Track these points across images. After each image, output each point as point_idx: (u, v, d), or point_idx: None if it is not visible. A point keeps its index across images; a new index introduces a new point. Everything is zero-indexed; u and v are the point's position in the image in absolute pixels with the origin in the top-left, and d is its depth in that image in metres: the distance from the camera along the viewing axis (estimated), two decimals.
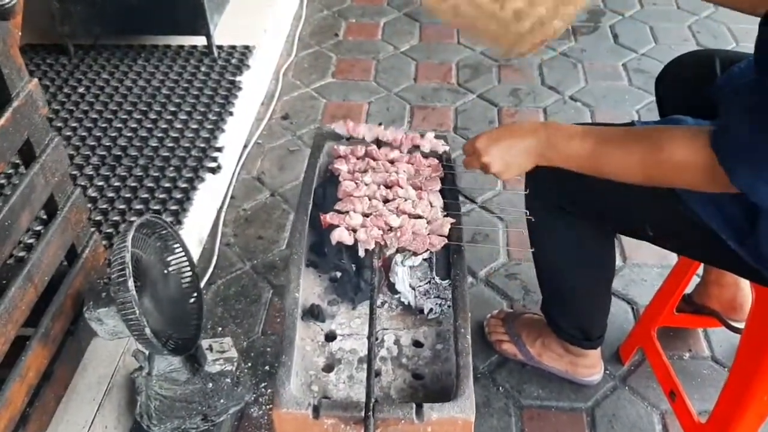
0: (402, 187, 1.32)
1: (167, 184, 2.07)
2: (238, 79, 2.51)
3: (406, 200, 1.29)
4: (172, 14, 2.51)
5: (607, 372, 1.80)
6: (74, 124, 2.31)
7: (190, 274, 1.60)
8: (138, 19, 2.55)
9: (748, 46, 1.04)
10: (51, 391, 1.43)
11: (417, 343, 1.19)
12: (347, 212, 1.27)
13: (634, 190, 1.19)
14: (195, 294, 1.60)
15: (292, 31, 3.15)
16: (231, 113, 2.35)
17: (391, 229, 1.24)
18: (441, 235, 1.24)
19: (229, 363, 1.66)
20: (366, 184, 1.32)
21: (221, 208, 2.23)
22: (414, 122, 2.68)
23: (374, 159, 1.39)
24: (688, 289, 1.74)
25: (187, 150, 2.20)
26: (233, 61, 2.60)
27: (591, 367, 1.76)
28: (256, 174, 2.40)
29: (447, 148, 1.41)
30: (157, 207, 2.00)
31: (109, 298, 1.39)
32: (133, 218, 1.97)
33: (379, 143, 1.42)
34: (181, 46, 2.69)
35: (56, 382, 1.45)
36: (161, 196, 2.03)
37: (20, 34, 1.28)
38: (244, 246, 2.14)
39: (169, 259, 1.56)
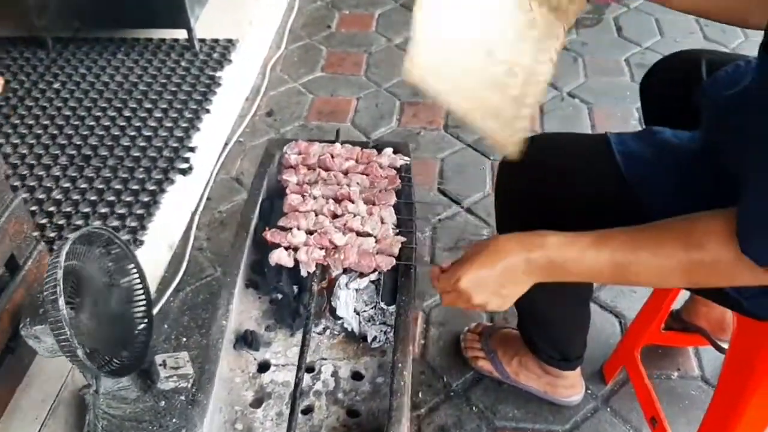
0: (353, 202, 1.22)
1: (135, 186, 1.99)
2: (218, 74, 2.42)
3: (355, 216, 1.19)
4: (151, 6, 2.42)
5: (589, 392, 1.69)
6: (46, 122, 2.23)
7: (140, 288, 1.51)
8: (117, 12, 2.47)
9: (757, 41, 0.91)
10: None
11: (357, 375, 1.10)
12: (290, 229, 1.17)
13: (602, 206, 1.08)
14: (144, 310, 1.51)
15: (283, 23, 3.05)
16: (208, 111, 2.26)
17: (336, 248, 1.14)
18: (390, 255, 1.14)
19: (184, 380, 1.56)
20: (314, 198, 1.22)
21: (195, 210, 2.15)
22: (403, 119, 2.57)
23: (326, 169, 1.28)
24: (677, 305, 1.62)
25: (158, 150, 2.11)
26: (215, 55, 2.51)
27: (571, 387, 1.65)
28: (235, 174, 2.31)
29: (407, 161, 1.31)
30: (122, 211, 1.92)
31: (45, 315, 1.31)
32: (96, 222, 1.89)
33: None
34: (163, 40, 2.61)
35: None
36: (128, 199, 1.95)
37: None
38: (217, 251, 2.05)
39: (117, 273, 1.48)
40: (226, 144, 2.42)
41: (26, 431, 1.48)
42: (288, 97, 2.67)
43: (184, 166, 2.06)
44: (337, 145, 1.31)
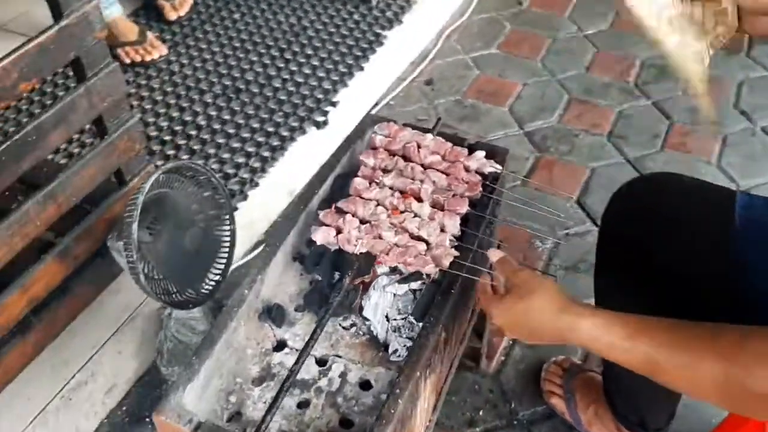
0: (420, 201, 1.13)
1: (270, 128, 2.03)
2: (384, 33, 2.37)
3: (414, 216, 1.10)
4: None
5: None
6: (215, 48, 2.34)
7: (227, 231, 1.54)
8: None
9: None
10: (63, 306, 1.46)
11: (365, 384, 1.03)
12: (346, 213, 1.11)
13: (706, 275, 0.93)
14: (226, 254, 1.54)
15: None
16: (362, 68, 2.24)
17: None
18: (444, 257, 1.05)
19: None
20: (382, 186, 1.15)
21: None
22: (566, 116, 2.37)
23: (408, 159, 1.20)
24: None
25: (303, 98, 2.13)
26: (388, 13, 2.46)
27: None
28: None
29: (498, 169, 1.18)
30: (251, 149, 1.97)
31: (120, 234, 1.38)
32: (225, 155, 1.96)
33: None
34: None
35: (73, 299, 1.49)
36: (259, 139, 2.00)
37: None
38: None
39: (209, 212, 1.52)
40: (376, 105, 2.39)
41: (103, 331, 1.59)
42: (453, 69, 2.56)
43: (321, 119, 2.06)
44: (429, 135, 1.21)
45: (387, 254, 1.05)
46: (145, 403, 1.61)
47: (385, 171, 1.18)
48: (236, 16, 2.50)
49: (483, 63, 2.59)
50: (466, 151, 1.20)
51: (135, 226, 1.30)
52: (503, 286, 0.98)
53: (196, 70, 2.25)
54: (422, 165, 1.19)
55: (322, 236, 1.08)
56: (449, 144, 1.20)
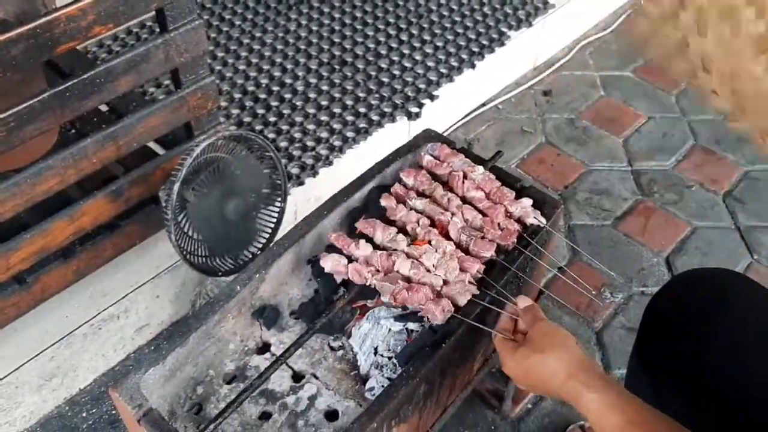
0: (447, 237, 1.05)
1: (361, 109, 1.98)
2: (509, 33, 2.24)
3: (436, 251, 1.03)
4: None
5: None
6: (337, 15, 2.30)
7: (277, 208, 1.53)
8: None
9: None
10: (110, 242, 1.51)
11: (331, 414, 0.98)
12: (361, 238, 1.05)
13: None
14: (270, 231, 1.53)
15: (625, 5, 2.70)
16: (473, 66, 2.12)
17: (392, 273, 1.00)
18: (448, 307, 0.97)
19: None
20: (411, 210, 1.08)
21: None
22: (683, 163, 2.16)
23: (449, 187, 1.12)
24: None
25: (405, 84, 2.06)
26: (520, 12, 2.32)
27: None
28: (470, 138, 2.18)
29: (541, 223, 1.07)
30: (336, 126, 1.93)
31: (163, 189, 1.39)
32: (310, 127, 1.94)
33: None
34: None
35: (121, 236, 1.53)
36: (348, 117, 1.96)
37: None
38: None
39: (264, 186, 1.51)
40: (483, 104, 2.28)
41: (145, 273, 1.63)
42: (577, 84, 2.40)
43: (414, 110, 1.98)
44: (480, 168, 1.12)
45: (395, 297, 0.98)
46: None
47: (421, 194, 1.11)
48: None
49: (611, 84, 2.40)
50: (513, 194, 1.10)
51: (177, 185, 1.31)
52: (521, 334, 0.93)
53: (311, 33, 2.23)
54: (462, 197, 1.10)
55: (331, 264, 1.03)
56: (497, 183, 1.11)
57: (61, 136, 1.61)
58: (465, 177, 1.11)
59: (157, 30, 1.43)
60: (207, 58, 1.45)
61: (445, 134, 2.15)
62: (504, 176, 1.15)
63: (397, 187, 1.11)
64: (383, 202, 1.07)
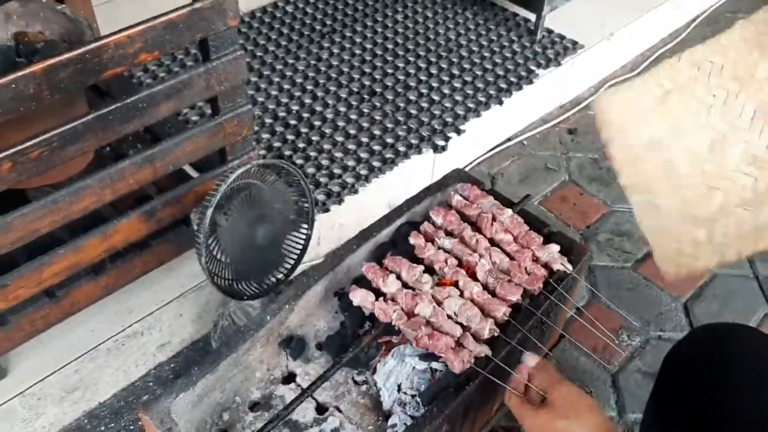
0: (473, 279, 1.07)
1: (389, 139, 2.01)
2: (538, 71, 2.27)
3: (461, 295, 1.05)
4: None
5: None
6: (368, 45, 2.35)
7: (304, 235, 1.55)
8: None
9: None
10: (139, 260, 1.54)
11: None
12: (390, 273, 1.07)
13: None
14: (296, 256, 1.55)
15: (649, 50, 2.72)
16: (500, 102, 2.15)
17: (415, 317, 1.02)
18: (469, 358, 0.99)
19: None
20: (438, 249, 1.10)
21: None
22: None
23: (477, 229, 1.14)
24: None
25: (432, 116, 2.09)
26: (549, 51, 2.35)
27: None
28: (492, 172, 2.20)
29: (567, 269, 1.09)
30: (363, 155, 1.97)
31: (196, 212, 1.43)
32: (338, 154, 1.97)
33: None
34: (515, 14, 2.52)
35: (151, 255, 1.56)
36: (375, 147, 1.99)
37: None
38: None
39: (291, 212, 1.53)
40: (508, 139, 2.31)
41: (170, 291, 1.66)
42: None
43: (441, 143, 2.01)
44: (509, 211, 1.14)
45: (418, 341, 0.99)
46: (191, 366, 1.67)
47: (449, 234, 1.13)
48: (399, 17, 2.50)
49: None
50: (540, 239, 1.12)
51: (210, 211, 1.34)
52: (537, 394, 0.93)
53: (342, 62, 2.28)
54: (490, 239, 1.12)
55: (359, 298, 1.06)
56: (526, 227, 1.13)
57: (96, 154, 1.66)
58: (494, 219, 1.14)
59: (198, 55, 1.48)
60: (245, 87, 1.49)
61: (469, 167, 2.19)
62: (532, 220, 1.17)
63: (426, 226, 1.13)
64: (412, 240, 1.09)
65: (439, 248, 1.10)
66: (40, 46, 1.49)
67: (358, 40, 2.38)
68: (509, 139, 2.31)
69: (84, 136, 1.26)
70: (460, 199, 1.17)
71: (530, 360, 0.95)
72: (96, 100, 1.69)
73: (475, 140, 2.15)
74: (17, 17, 1.52)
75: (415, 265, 1.06)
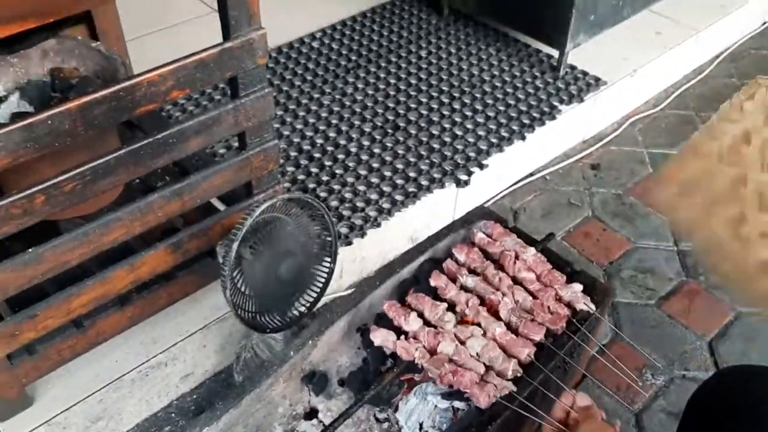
0: (496, 318, 1.07)
1: (411, 173, 2.03)
2: (561, 107, 2.29)
3: (484, 335, 1.05)
4: (540, 17, 2.37)
5: None
6: (392, 80, 2.38)
7: (326, 269, 1.57)
8: (510, 10, 2.47)
9: None
10: (165, 291, 1.57)
11: None
12: (412, 311, 1.08)
13: None
14: (318, 290, 1.57)
15: (676, 84, 2.73)
16: (523, 138, 2.17)
17: (437, 354, 1.03)
18: (489, 393, 0.99)
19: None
20: (461, 288, 1.11)
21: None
22: None
23: (500, 267, 1.14)
24: None
25: (455, 151, 2.11)
26: (572, 87, 2.37)
27: None
28: (515, 207, 2.21)
29: (590, 309, 1.09)
30: (386, 188, 1.98)
31: (221, 246, 1.45)
32: (361, 188, 1.99)
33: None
34: (538, 50, 2.55)
35: (176, 286, 1.59)
36: (398, 181, 2.01)
37: None
38: None
39: (314, 245, 1.55)
40: (531, 174, 2.32)
41: (194, 322, 1.68)
42: (625, 160, 2.42)
43: (464, 178, 2.02)
44: (532, 250, 1.15)
45: (442, 379, 1.00)
46: (213, 398, 1.68)
47: (472, 271, 1.14)
48: (422, 52, 2.53)
49: (659, 162, 2.42)
50: (564, 278, 1.12)
51: (236, 244, 1.36)
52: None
53: (366, 96, 2.31)
54: (513, 278, 1.13)
55: (380, 339, 1.07)
56: (549, 266, 1.13)
57: (125, 186, 1.69)
58: (517, 257, 1.14)
59: (226, 89, 1.51)
60: (272, 123, 1.52)
61: (491, 202, 2.19)
62: (555, 258, 1.17)
63: (449, 263, 1.14)
64: (434, 282, 1.10)
65: (461, 288, 1.10)
66: (75, 81, 1.54)
67: (382, 74, 2.41)
68: (532, 174, 2.32)
69: (116, 170, 1.29)
70: (483, 236, 1.17)
71: (581, 399, 0.96)
72: (127, 133, 1.73)
73: (498, 175, 2.16)
74: (54, 54, 1.57)
75: (438, 303, 1.07)
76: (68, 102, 1.17)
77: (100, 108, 1.21)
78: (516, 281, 1.12)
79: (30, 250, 1.26)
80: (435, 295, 1.10)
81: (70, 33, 1.58)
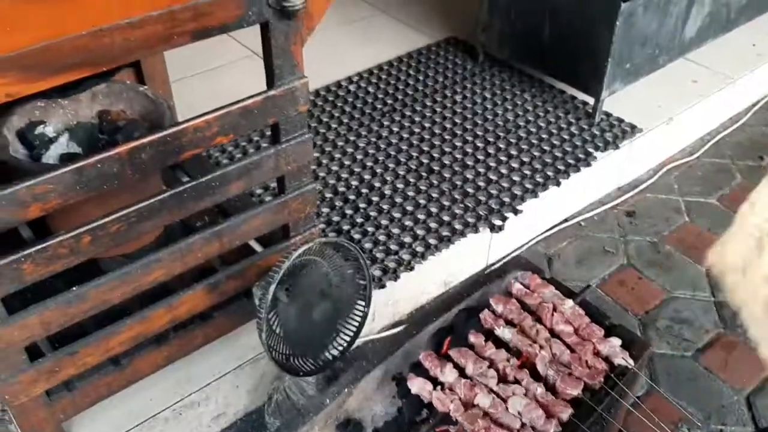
0: (533, 372, 1.07)
1: (446, 217, 2.04)
2: (596, 154, 2.29)
3: (525, 394, 1.04)
4: (575, 64, 2.39)
5: None
6: (427, 124, 2.41)
7: (361, 312, 1.57)
8: (544, 56, 2.50)
9: None
10: (201, 331, 1.58)
11: None
12: (448, 363, 1.08)
13: None
14: (353, 333, 1.57)
15: (712, 132, 2.72)
16: (558, 184, 2.17)
17: (473, 407, 1.02)
18: None
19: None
20: (499, 339, 1.10)
21: (485, 268, 2.11)
22: None
23: (538, 319, 1.14)
24: None
25: (489, 195, 2.12)
26: (607, 134, 2.37)
27: None
28: (549, 253, 2.20)
29: (628, 365, 1.08)
30: (420, 232, 1.99)
31: (257, 287, 1.47)
32: (395, 230, 2.01)
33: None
34: (573, 97, 2.56)
35: (212, 326, 1.60)
36: (432, 224, 2.02)
37: (309, 34, 1.37)
38: None
39: (348, 288, 1.56)
40: (565, 220, 2.31)
41: (228, 362, 1.69)
42: (661, 208, 2.40)
43: (498, 223, 2.03)
44: (570, 302, 1.14)
45: None
46: None
47: (509, 322, 1.14)
48: (457, 97, 2.56)
49: (695, 211, 2.40)
50: (602, 332, 1.12)
51: (273, 287, 1.38)
52: None
53: (401, 140, 2.34)
54: (550, 330, 1.12)
55: (417, 387, 1.07)
56: (587, 319, 1.13)
57: (165, 226, 1.73)
58: (554, 309, 1.14)
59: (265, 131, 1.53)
60: (311, 167, 1.55)
61: (525, 247, 2.19)
62: (593, 311, 1.16)
63: (486, 314, 1.14)
64: (472, 339, 1.10)
65: (498, 345, 1.10)
66: (122, 124, 1.59)
67: (417, 118, 2.45)
68: (566, 220, 2.31)
69: (160, 212, 1.32)
70: (520, 287, 1.18)
71: None
72: (168, 173, 1.77)
73: (533, 220, 2.16)
74: (102, 96, 1.63)
75: (481, 359, 1.06)
76: (117, 146, 1.21)
77: (147, 152, 1.25)
78: (553, 334, 1.12)
79: (74, 288, 1.29)
80: (472, 349, 1.10)
81: (119, 77, 1.64)
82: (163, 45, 1.16)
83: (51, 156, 1.52)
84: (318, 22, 1.38)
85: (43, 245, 1.20)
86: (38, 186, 1.14)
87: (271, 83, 1.36)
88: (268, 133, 2.09)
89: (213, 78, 2.59)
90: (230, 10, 1.19)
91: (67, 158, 1.52)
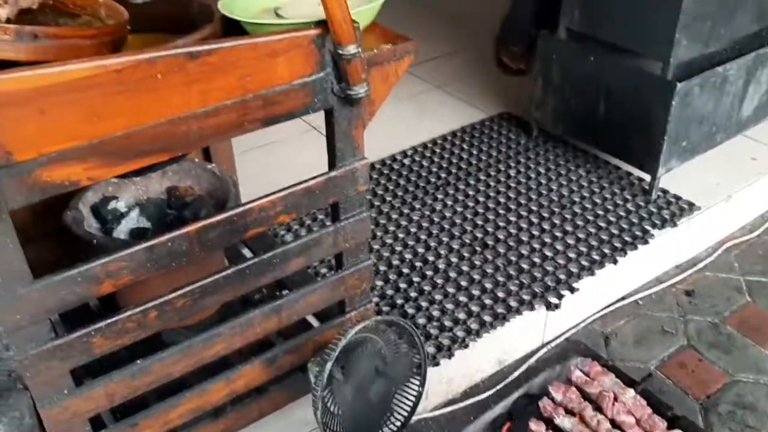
0: None
1: (500, 294, 2.03)
2: (653, 231, 2.26)
3: None
4: (631, 142, 2.39)
5: None
6: (481, 198, 2.43)
7: (416, 391, 1.57)
8: (599, 133, 2.51)
9: None
10: (256, 404, 1.60)
11: None
12: None
13: None
14: (406, 414, 1.57)
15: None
16: (615, 262, 2.15)
17: None
18: None
19: None
20: (560, 428, 1.09)
21: (540, 348, 2.08)
22: None
23: (598, 408, 1.12)
24: None
25: (545, 272, 2.11)
26: (664, 212, 2.35)
27: None
28: (607, 332, 2.16)
29: None
30: (475, 308, 1.99)
31: (313, 364, 1.48)
32: (449, 306, 2.01)
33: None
34: (629, 173, 2.55)
35: (267, 400, 1.62)
36: (486, 301, 2.01)
37: (371, 118, 1.42)
38: None
39: (403, 364, 1.57)
40: (622, 298, 2.28)
41: None
42: (721, 287, 2.34)
43: (554, 301, 2.01)
44: (631, 391, 1.12)
45: None
46: None
47: (569, 411, 1.12)
48: (512, 171, 2.58)
49: (757, 291, 2.33)
50: (665, 424, 1.09)
51: (330, 365, 1.40)
52: None
53: (455, 213, 2.36)
54: (611, 420, 1.10)
55: None
56: (649, 410, 1.10)
57: None
58: (615, 399, 1.12)
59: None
60: (368, 244, 1.58)
61: (581, 326, 2.15)
62: (654, 401, 1.14)
63: (545, 402, 1.13)
64: (533, 427, 1.09)
65: (556, 429, 1.08)
66: (189, 200, 1.66)
67: (471, 192, 2.47)
68: (623, 298, 2.27)
69: (223, 288, 1.37)
70: (580, 374, 1.16)
71: None
72: (231, 247, 1.83)
73: (589, 298, 2.13)
74: (172, 173, 1.71)
75: None
76: (187, 225, 1.27)
77: (215, 231, 1.30)
78: (614, 424, 1.09)
79: (138, 361, 1.33)
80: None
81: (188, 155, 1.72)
82: (235, 131, 1.22)
83: (122, 230, 1.59)
84: (379, 106, 1.44)
85: (113, 320, 1.24)
86: (112, 263, 1.20)
87: (332, 165, 1.41)
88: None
89: (273, 152, 2.68)
90: (298, 98, 1.25)
91: (137, 233, 1.59)
